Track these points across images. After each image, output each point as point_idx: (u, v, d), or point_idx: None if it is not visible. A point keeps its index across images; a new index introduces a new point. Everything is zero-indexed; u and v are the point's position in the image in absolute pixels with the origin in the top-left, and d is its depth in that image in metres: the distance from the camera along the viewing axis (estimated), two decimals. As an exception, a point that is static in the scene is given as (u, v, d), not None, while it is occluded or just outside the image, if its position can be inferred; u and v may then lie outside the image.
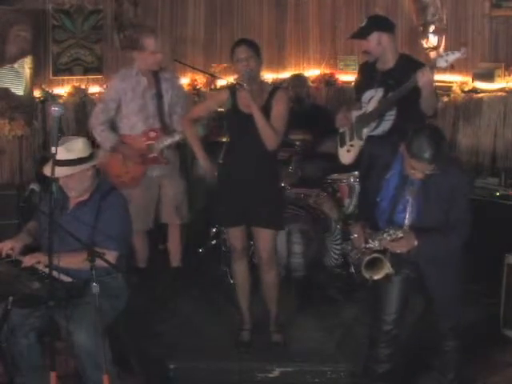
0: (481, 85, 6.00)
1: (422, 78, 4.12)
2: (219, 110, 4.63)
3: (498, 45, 5.99)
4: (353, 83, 5.24)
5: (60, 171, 3.60)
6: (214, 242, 5.78)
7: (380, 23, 4.57)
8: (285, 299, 4.64)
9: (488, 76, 5.95)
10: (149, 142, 4.97)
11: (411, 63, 4.56)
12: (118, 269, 3.72)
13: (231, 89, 4.30)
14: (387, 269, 3.55)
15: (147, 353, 4.30)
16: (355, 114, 4.70)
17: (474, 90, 6.05)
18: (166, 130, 5.01)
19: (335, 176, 5.65)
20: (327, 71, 6.95)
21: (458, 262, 3.68)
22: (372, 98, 4.56)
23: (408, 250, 3.55)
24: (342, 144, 4.83)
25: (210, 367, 4.27)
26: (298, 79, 6.40)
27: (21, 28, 5.42)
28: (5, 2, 5.41)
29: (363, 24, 4.56)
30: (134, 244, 4.98)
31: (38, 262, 3.61)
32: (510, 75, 5.91)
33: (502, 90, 5.94)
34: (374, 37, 4.50)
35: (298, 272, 5.34)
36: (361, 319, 4.76)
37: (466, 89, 6.06)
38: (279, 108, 4.17)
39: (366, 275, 3.59)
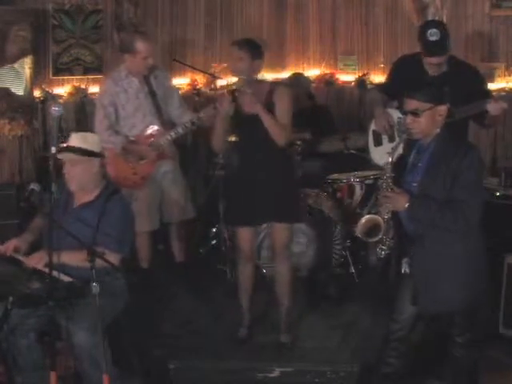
0: (481, 85, 6.00)
1: (493, 106, 4.15)
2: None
3: (498, 45, 5.99)
4: (380, 82, 5.09)
5: (68, 155, 3.66)
6: (213, 241, 5.80)
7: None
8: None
9: (488, 76, 5.95)
10: (151, 140, 4.99)
11: (463, 67, 4.48)
12: (118, 268, 3.72)
13: (231, 93, 4.26)
14: (381, 234, 3.58)
15: (147, 353, 4.31)
16: (396, 114, 4.58)
17: (474, 90, 6.04)
18: (166, 125, 5.04)
19: (335, 176, 5.65)
20: (327, 71, 6.95)
21: (469, 269, 3.50)
22: None
23: (396, 209, 3.51)
24: (378, 144, 4.79)
25: (210, 367, 4.26)
26: (298, 79, 6.39)
27: (21, 28, 5.42)
28: (5, 2, 5.41)
29: (438, 37, 4.30)
30: (137, 244, 4.99)
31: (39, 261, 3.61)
32: (510, 75, 5.91)
33: (501, 90, 5.94)
34: None
35: (298, 272, 5.34)
36: (361, 319, 4.77)
37: (466, 89, 6.05)
38: (283, 103, 4.18)
39: (362, 236, 3.67)
